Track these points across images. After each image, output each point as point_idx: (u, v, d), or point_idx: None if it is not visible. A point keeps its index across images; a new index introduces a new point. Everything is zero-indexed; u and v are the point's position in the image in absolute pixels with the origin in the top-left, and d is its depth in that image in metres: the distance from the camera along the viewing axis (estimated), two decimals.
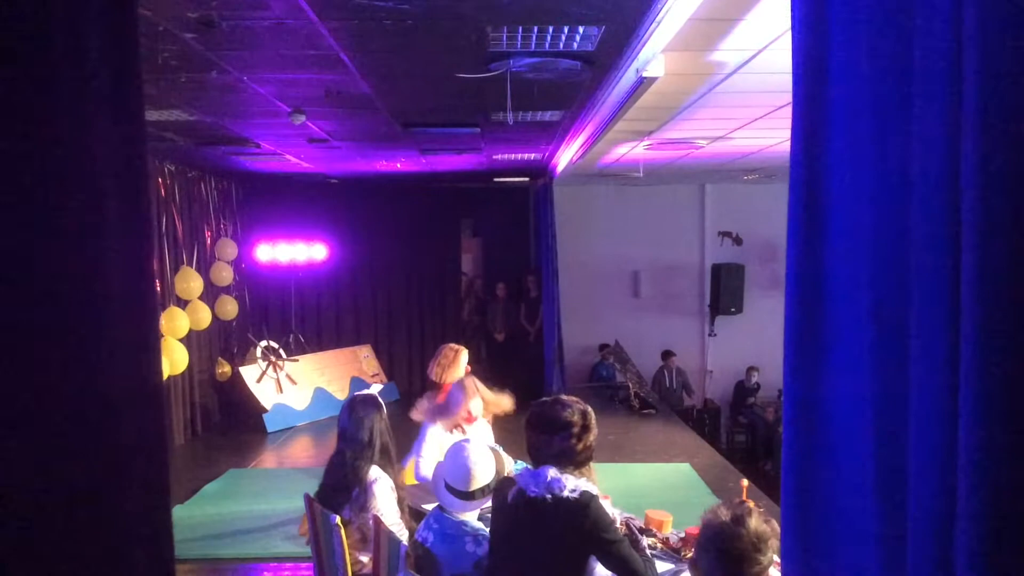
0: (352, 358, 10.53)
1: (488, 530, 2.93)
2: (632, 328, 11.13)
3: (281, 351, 9.69)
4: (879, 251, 1.23)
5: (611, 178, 9.79)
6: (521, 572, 2.68)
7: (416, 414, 4.44)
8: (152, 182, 7.82)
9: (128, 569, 0.95)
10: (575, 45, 3.85)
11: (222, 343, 9.67)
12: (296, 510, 4.74)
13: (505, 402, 4.34)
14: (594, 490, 2.66)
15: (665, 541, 3.33)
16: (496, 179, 10.21)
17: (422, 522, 3.23)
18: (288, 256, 10.17)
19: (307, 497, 3.60)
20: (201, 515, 6.03)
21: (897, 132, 1.17)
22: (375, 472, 3.53)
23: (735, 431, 11.15)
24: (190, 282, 8.05)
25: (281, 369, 9.56)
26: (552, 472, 2.63)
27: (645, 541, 2.90)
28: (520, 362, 10.72)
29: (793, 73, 1.45)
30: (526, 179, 10.25)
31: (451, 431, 4.27)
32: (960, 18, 0.97)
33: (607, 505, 2.72)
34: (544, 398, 2.87)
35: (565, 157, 7.61)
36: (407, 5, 3.21)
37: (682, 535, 3.32)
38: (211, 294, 8.93)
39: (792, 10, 1.46)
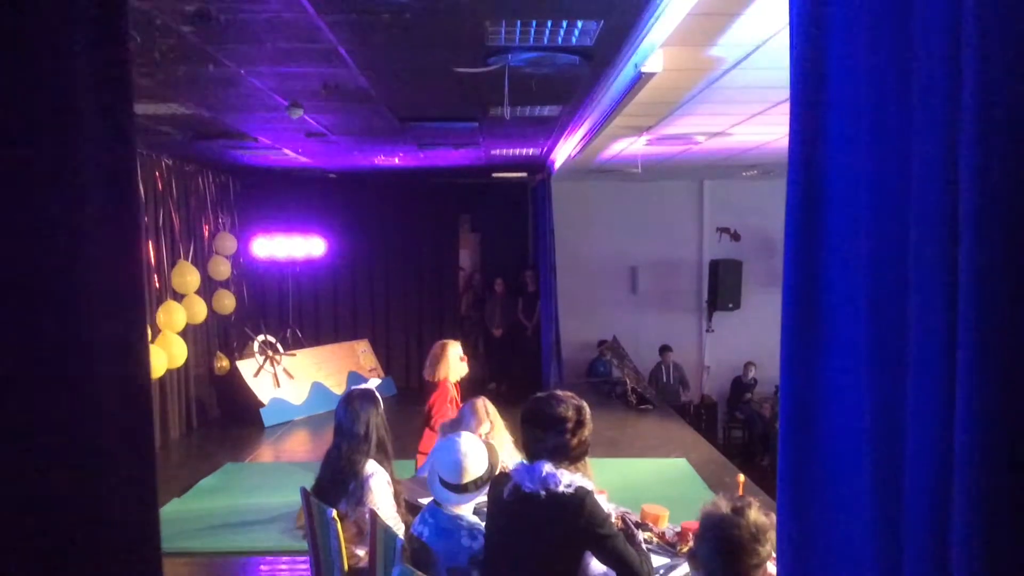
0: (349, 353, 10.53)
1: (483, 524, 2.94)
2: (630, 324, 11.13)
3: (279, 345, 9.69)
4: (876, 248, 1.23)
5: (609, 174, 9.78)
6: (516, 567, 2.68)
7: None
8: (148, 176, 7.80)
9: (115, 570, 0.94)
10: (574, 40, 3.84)
11: (220, 337, 9.66)
12: (293, 504, 4.75)
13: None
14: (589, 485, 2.66)
15: (661, 535, 3.34)
16: (494, 175, 10.20)
17: (418, 516, 3.23)
18: (286, 251, 10.15)
19: (303, 491, 3.60)
20: (198, 509, 6.05)
21: (895, 131, 1.17)
22: (371, 466, 3.54)
23: (732, 427, 11.16)
24: (187, 276, 8.05)
25: (278, 363, 9.56)
26: (547, 467, 2.63)
27: (641, 535, 2.91)
28: (518, 357, 10.75)
29: (791, 71, 1.45)
30: (524, 174, 10.24)
31: None
32: (959, 16, 0.97)
33: (603, 500, 2.72)
34: (540, 393, 2.87)
35: (563, 152, 7.60)
36: None
37: (678, 529, 3.33)
38: (209, 288, 8.93)
39: (790, 8, 1.46)
